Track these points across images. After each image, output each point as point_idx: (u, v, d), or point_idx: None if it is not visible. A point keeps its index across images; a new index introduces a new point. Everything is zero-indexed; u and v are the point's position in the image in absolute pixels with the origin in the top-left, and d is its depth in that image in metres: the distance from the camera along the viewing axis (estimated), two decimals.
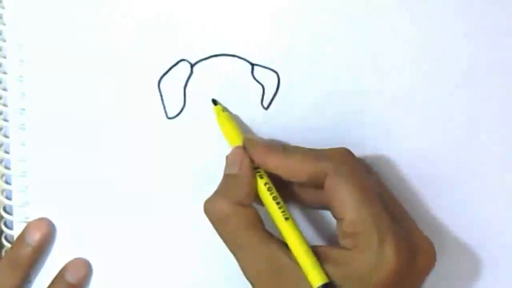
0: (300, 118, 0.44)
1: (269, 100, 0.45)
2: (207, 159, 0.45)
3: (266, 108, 0.45)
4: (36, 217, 0.46)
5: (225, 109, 0.44)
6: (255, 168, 0.41)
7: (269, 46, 0.44)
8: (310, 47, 0.44)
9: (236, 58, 0.44)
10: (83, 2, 0.45)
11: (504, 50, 0.44)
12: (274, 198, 0.40)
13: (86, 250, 0.46)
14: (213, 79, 0.44)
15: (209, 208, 0.41)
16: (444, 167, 0.44)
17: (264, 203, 0.41)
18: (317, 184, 0.40)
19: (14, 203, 0.47)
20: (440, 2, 0.43)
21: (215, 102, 0.44)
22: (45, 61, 0.46)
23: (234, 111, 0.44)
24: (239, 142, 0.42)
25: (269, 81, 0.44)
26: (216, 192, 0.41)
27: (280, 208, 0.40)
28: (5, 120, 0.47)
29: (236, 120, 0.44)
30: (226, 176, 0.42)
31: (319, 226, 0.45)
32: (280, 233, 0.40)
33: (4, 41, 0.46)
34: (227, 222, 0.40)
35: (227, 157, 0.42)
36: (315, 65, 0.44)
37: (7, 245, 0.47)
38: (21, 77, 0.46)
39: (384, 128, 0.44)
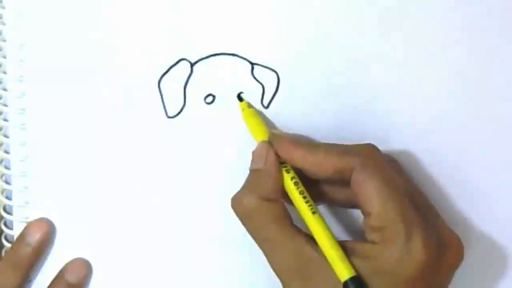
0: (300, 117, 0.44)
1: (269, 100, 0.45)
2: (207, 158, 0.45)
3: (266, 107, 0.45)
4: (36, 217, 0.46)
5: (250, 105, 0.44)
6: (281, 163, 0.41)
7: (269, 45, 0.44)
8: (310, 46, 0.44)
9: (236, 57, 0.44)
10: (83, 2, 0.45)
11: None
12: (301, 193, 0.40)
13: (86, 250, 0.46)
14: (213, 79, 0.44)
15: (236, 203, 0.41)
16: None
17: (290, 197, 0.41)
18: (343, 180, 0.40)
19: (14, 203, 0.47)
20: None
21: (240, 98, 0.44)
22: (45, 61, 0.46)
23: (234, 111, 0.44)
24: (264, 137, 0.42)
25: (269, 80, 0.44)
26: (242, 187, 0.41)
27: (307, 202, 0.40)
28: (5, 120, 0.46)
29: (261, 116, 0.44)
30: (252, 171, 0.41)
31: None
32: (307, 227, 0.40)
33: (4, 41, 0.46)
34: (254, 217, 0.40)
35: (253, 152, 0.42)
36: (315, 64, 0.44)
37: (7, 245, 0.47)
38: (21, 77, 0.46)
39: (384, 126, 0.44)
